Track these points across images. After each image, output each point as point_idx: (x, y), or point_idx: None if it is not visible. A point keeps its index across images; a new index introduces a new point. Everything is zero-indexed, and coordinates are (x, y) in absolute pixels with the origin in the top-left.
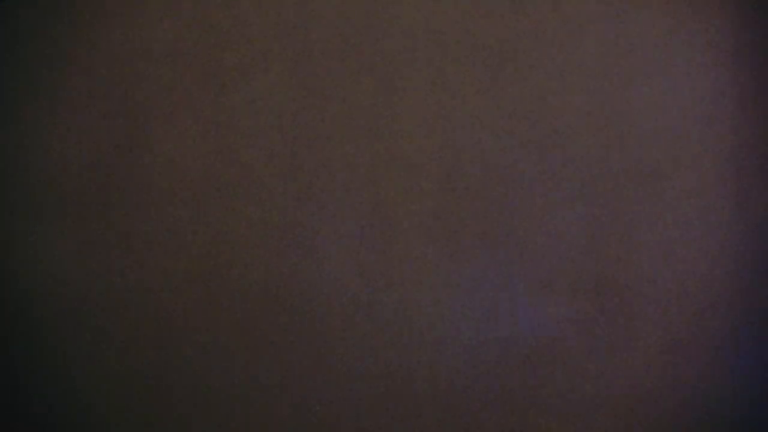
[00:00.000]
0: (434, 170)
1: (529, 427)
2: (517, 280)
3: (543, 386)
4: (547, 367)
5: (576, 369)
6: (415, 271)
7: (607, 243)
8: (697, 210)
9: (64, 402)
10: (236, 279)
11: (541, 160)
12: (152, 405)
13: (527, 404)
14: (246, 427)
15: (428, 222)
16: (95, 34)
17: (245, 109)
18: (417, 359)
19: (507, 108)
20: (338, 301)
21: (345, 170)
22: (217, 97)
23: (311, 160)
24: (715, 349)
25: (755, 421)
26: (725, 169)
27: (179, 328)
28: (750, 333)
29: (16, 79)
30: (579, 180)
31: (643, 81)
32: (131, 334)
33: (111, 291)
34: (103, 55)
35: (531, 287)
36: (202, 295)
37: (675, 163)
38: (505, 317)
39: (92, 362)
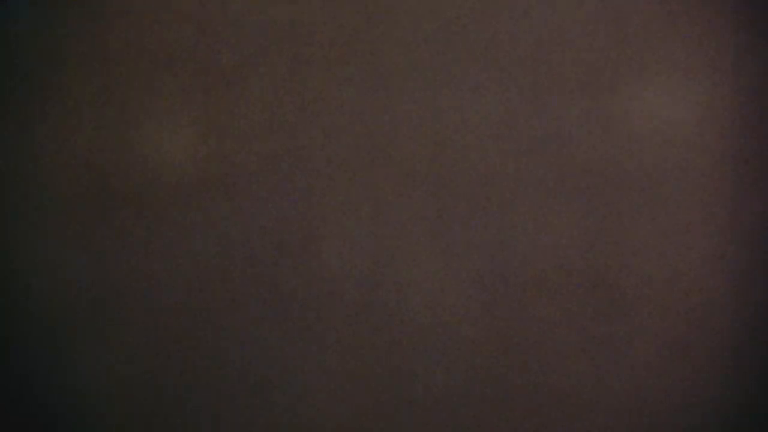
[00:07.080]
0: (432, 171)
1: (527, 426)
2: (515, 280)
3: (541, 386)
4: (545, 367)
5: (574, 369)
6: (413, 271)
7: (605, 243)
8: (695, 210)
9: (65, 403)
10: (235, 279)
11: (539, 161)
12: (153, 405)
13: (525, 404)
14: (246, 427)
15: (426, 222)
16: (94, 34)
17: (243, 110)
18: (415, 359)
19: (504, 108)
20: (337, 302)
21: (343, 171)
22: (215, 98)
23: (309, 161)
24: (714, 349)
25: (755, 421)
26: (723, 169)
27: (178, 328)
28: (749, 333)
29: (15, 79)
30: (577, 180)
31: (642, 82)
32: (131, 333)
33: (109, 291)
34: (101, 56)
35: (529, 287)
36: (201, 294)
37: (673, 164)
38: (503, 317)
39: (92, 363)
